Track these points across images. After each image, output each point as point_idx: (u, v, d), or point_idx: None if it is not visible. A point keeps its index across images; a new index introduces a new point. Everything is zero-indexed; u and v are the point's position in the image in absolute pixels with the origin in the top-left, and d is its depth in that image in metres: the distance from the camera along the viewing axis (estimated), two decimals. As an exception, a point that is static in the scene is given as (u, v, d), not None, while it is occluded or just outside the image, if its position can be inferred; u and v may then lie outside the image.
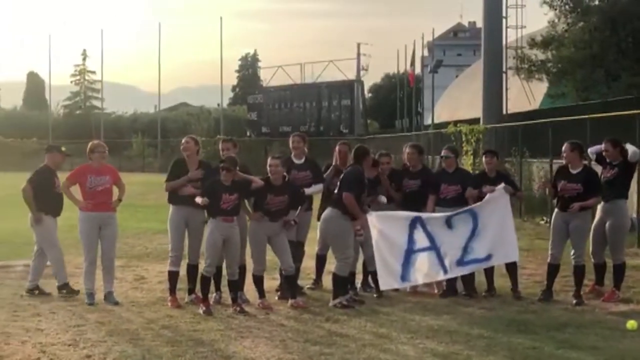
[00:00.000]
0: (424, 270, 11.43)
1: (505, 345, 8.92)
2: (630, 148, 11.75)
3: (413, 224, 11.39)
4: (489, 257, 11.47)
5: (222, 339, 9.26)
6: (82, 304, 11.12)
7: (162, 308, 11.01)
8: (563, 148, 11.78)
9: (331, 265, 11.64)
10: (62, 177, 11.78)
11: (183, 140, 11.67)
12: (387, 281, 11.35)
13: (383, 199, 11.85)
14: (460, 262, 11.39)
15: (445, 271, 11.42)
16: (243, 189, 10.88)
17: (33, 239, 12.26)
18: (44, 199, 11.78)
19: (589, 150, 12.39)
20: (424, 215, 11.54)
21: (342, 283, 11.22)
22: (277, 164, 11.21)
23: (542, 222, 21.45)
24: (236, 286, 11.00)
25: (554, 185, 11.83)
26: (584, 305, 11.13)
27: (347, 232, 11.14)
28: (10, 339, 9.23)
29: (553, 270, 11.70)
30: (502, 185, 11.60)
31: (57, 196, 11.86)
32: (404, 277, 11.35)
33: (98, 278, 11.49)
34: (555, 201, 12.01)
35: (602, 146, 11.88)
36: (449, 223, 11.45)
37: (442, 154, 12.49)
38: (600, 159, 12.09)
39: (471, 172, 18.56)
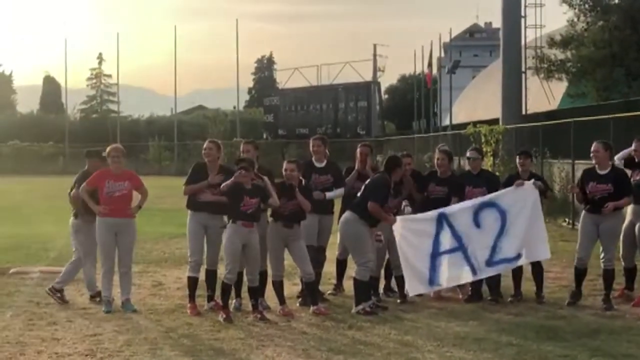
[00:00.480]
0: (452, 272, 11.18)
1: (536, 354, 8.64)
2: None
3: (440, 223, 11.13)
4: (518, 257, 11.21)
5: (243, 348, 9.01)
6: (99, 312, 10.89)
7: (181, 316, 10.75)
8: (593, 147, 11.35)
9: (352, 270, 11.34)
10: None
11: (205, 146, 11.42)
12: (414, 286, 11.12)
13: (409, 209, 11.61)
14: (490, 263, 11.12)
15: (475, 272, 11.15)
16: (263, 195, 10.61)
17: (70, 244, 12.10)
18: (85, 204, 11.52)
19: (616, 156, 12.04)
20: (448, 210, 11.23)
21: (364, 288, 10.94)
22: (292, 168, 10.96)
23: (565, 224, 21.15)
24: (257, 293, 10.73)
25: (581, 188, 11.49)
26: (614, 311, 10.82)
27: (365, 236, 10.89)
28: (25, 349, 9.01)
29: (580, 273, 11.39)
30: (532, 180, 11.35)
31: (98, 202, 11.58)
32: (432, 281, 11.12)
33: (116, 285, 11.26)
34: (583, 204, 11.65)
35: (633, 146, 11.56)
36: (476, 221, 11.17)
37: (468, 155, 12.15)
38: (628, 163, 11.78)
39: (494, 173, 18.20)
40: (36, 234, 20.23)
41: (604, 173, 11.22)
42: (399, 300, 11.47)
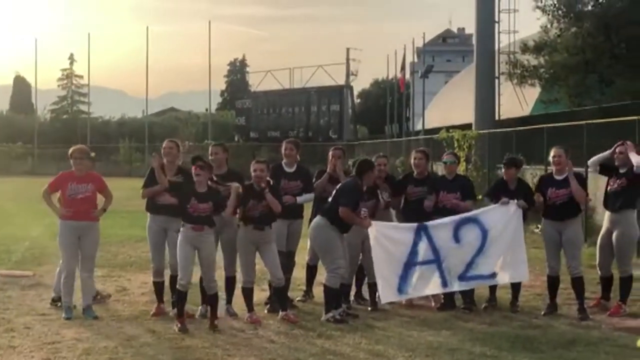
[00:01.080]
0: (422, 282, 10.89)
1: (513, 366, 8.35)
2: (634, 159, 11.19)
3: (418, 234, 10.86)
4: (493, 276, 11.01)
5: (207, 358, 8.66)
6: (59, 319, 10.47)
7: (144, 322, 10.39)
8: (555, 152, 11.24)
9: (322, 276, 11.05)
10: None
11: (165, 145, 11.10)
12: (386, 294, 10.82)
13: (386, 195, 11.30)
14: (463, 277, 10.89)
15: (445, 284, 10.90)
16: (217, 203, 10.19)
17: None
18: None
19: (591, 161, 11.81)
20: (430, 223, 10.97)
21: (334, 296, 10.63)
22: (262, 169, 10.60)
23: (536, 230, 20.95)
24: (214, 300, 10.29)
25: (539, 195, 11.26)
26: (589, 321, 10.61)
27: (335, 242, 10.61)
28: (-20, 358, 8.63)
29: (553, 282, 11.22)
30: (517, 201, 11.04)
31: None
32: (401, 290, 10.82)
33: (77, 290, 10.85)
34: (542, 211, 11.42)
35: (617, 149, 11.34)
36: (456, 237, 10.91)
37: (445, 159, 11.86)
38: (604, 170, 11.56)
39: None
40: (0, 236, 19.76)
41: (561, 178, 11.09)
42: (369, 308, 11.19)
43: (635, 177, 11.13)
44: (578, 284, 11.02)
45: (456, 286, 10.95)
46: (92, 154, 11.67)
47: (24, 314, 10.78)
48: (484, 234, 10.88)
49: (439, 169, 12.22)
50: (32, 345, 9.13)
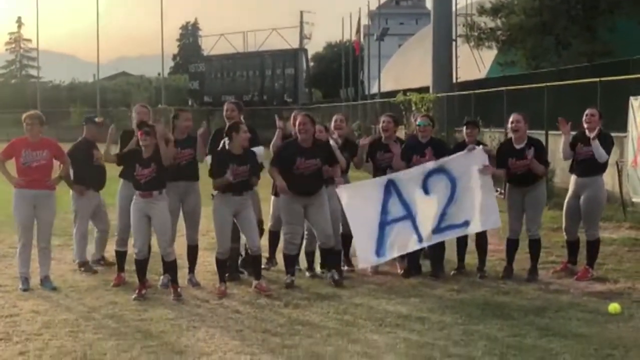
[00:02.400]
0: (400, 242, 10.72)
1: (484, 334, 8.21)
2: (597, 152, 10.99)
3: (387, 190, 10.68)
4: (466, 224, 10.80)
5: (172, 330, 8.43)
6: (16, 290, 10.19)
7: (105, 294, 10.11)
8: (514, 118, 11.02)
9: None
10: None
11: (138, 110, 11.01)
12: (364, 258, 10.70)
13: (341, 180, 10.93)
14: (437, 230, 10.72)
15: (420, 240, 10.73)
16: (159, 162, 9.89)
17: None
18: (83, 172, 11.34)
19: (563, 157, 11.53)
20: (397, 176, 10.78)
21: (287, 261, 10.68)
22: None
23: (496, 194, 20.91)
24: (172, 268, 10.07)
25: (500, 165, 11.02)
26: (535, 283, 10.65)
27: (285, 207, 10.62)
28: None
29: (512, 245, 11.19)
30: (481, 146, 11.03)
31: (98, 169, 11.37)
32: (379, 253, 10.65)
33: (34, 260, 10.54)
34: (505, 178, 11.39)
35: (586, 114, 11.16)
36: (425, 188, 10.72)
37: (419, 121, 11.59)
38: (576, 138, 11.28)
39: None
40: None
41: (521, 147, 10.92)
42: (344, 267, 11.23)
43: (601, 145, 11.01)
44: (535, 246, 11.05)
45: (432, 240, 10.79)
46: (97, 119, 12.15)
47: (-20, 287, 10.49)
48: (453, 182, 10.73)
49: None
50: (-11, 319, 8.86)
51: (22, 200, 10.35)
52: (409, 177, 10.78)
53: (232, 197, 10.15)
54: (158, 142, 9.87)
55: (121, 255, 10.76)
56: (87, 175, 11.44)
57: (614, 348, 7.70)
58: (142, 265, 9.99)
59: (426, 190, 10.71)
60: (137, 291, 9.85)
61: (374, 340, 8.04)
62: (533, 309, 9.25)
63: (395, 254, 10.92)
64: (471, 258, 11.42)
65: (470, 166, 10.77)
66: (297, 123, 10.66)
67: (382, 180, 10.81)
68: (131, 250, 10.41)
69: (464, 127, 11.45)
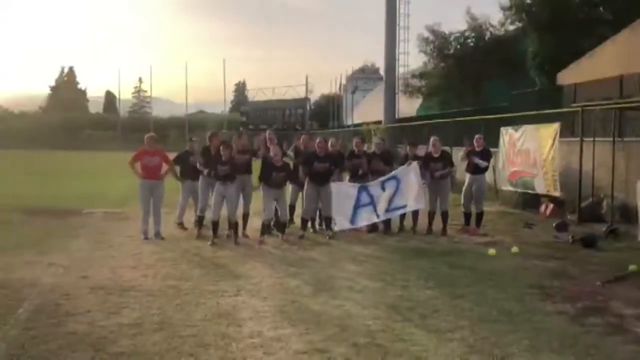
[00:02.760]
0: (364, 217, 10.58)
1: (414, 267, 8.15)
2: (479, 162, 11.04)
3: (360, 190, 10.54)
4: (405, 207, 10.69)
5: (232, 263, 8.35)
6: (141, 239, 10.10)
7: (193, 241, 10.03)
8: (434, 140, 11.10)
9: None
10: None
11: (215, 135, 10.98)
12: (342, 223, 10.49)
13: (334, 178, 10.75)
14: (387, 210, 10.61)
15: (378, 216, 10.61)
16: (232, 163, 9.98)
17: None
18: (184, 169, 11.24)
19: (477, 160, 11.25)
20: (368, 184, 10.67)
21: (303, 222, 10.65)
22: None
23: (422, 183, 20.83)
24: (234, 226, 10.00)
25: (426, 167, 10.93)
26: (458, 238, 10.51)
27: (307, 191, 10.56)
28: (92, 263, 8.22)
29: (432, 214, 11.07)
30: (415, 162, 10.85)
31: (193, 167, 10.92)
32: (352, 222, 10.51)
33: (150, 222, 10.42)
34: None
35: (476, 137, 11.16)
36: (383, 187, 10.61)
37: (376, 141, 11.74)
38: (469, 153, 11.25)
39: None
40: (99, 188, 19.19)
41: (437, 156, 10.95)
42: (328, 235, 10.74)
43: (485, 157, 11.04)
44: (445, 215, 10.98)
45: (384, 216, 10.67)
46: (194, 139, 11.92)
47: (118, 236, 10.41)
48: (398, 183, 10.63)
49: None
50: (124, 256, 8.79)
51: (143, 187, 10.27)
52: (374, 183, 10.65)
53: (273, 190, 10.12)
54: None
55: (200, 219, 10.64)
56: (186, 171, 11.31)
57: (493, 275, 7.68)
58: (216, 224, 9.91)
59: (383, 189, 10.59)
60: (212, 240, 9.79)
61: (351, 269, 7.99)
62: (444, 253, 9.21)
63: (361, 224, 10.68)
64: (408, 221, 11.32)
65: (409, 173, 10.68)
66: (316, 142, 10.71)
67: (357, 185, 10.65)
68: (209, 216, 10.33)
69: (407, 146, 11.41)
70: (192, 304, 6.25)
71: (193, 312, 5.97)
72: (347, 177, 11.34)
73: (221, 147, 9.88)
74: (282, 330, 5.43)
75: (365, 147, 11.87)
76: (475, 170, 11.11)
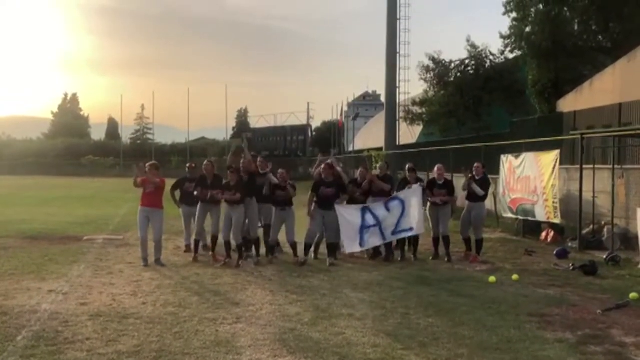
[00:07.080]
0: (372, 239, 10.62)
1: (415, 294, 8.14)
2: (475, 189, 11.10)
3: (364, 211, 10.62)
4: (411, 229, 10.73)
5: (232, 290, 8.32)
6: (140, 266, 10.10)
7: (192, 268, 10.01)
8: (438, 167, 11.20)
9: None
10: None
11: (205, 163, 10.87)
12: (351, 246, 10.54)
13: (338, 201, 10.81)
14: (394, 232, 10.67)
15: (384, 238, 10.65)
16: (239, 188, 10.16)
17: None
18: (181, 195, 11.49)
19: (462, 189, 11.45)
20: (371, 205, 10.77)
21: (306, 248, 10.62)
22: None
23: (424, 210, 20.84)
24: (242, 248, 10.25)
25: (430, 191, 11.05)
26: (459, 265, 10.46)
27: (313, 215, 10.65)
28: (92, 290, 8.23)
29: (435, 240, 11.12)
30: (419, 183, 10.97)
31: (191, 194, 10.86)
32: (361, 244, 10.57)
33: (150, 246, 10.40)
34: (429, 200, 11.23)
35: (475, 165, 11.26)
36: (387, 208, 10.66)
37: (379, 166, 11.84)
38: (469, 187, 11.30)
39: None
40: (101, 214, 19.22)
41: (441, 183, 11.02)
42: (329, 262, 10.63)
43: (483, 186, 11.10)
44: (446, 241, 10.99)
45: (390, 239, 10.71)
46: (193, 165, 11.83)
47: (118, 263, 10.40)
48: (403, 204, 10.67)
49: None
50: (124, 282, 8.78)
51: (142, 214, 10.21)
52: (378, 205, 10.70)
53: (279, 212, 10.59)
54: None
55: (196, 243, 10.69)
56: (184, 197, 11.43)
57: (492, 302, 7.65)
58: (228, 244, 10.09)
59: (388, 209, 10.65)
60: (224, 260, 10.09)
61: (350, 298, 7.94)
62: (445, 280, 9.17)
63: (370, 246, 10.79)
64: (408, 249, 11.27)
65: (413, 196, 10.73)
66: (322, 168, 10.81)
67: (360, 206, 10.72)
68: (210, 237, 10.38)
69: (407, 171, 11.48)
70: (191, 331, 6.24)
71: (192, 339, 5.96)
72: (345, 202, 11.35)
73: (228, 173, 9.99)
74: (281, 359, 5.42)
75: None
76: (474, 197, 11.15)
